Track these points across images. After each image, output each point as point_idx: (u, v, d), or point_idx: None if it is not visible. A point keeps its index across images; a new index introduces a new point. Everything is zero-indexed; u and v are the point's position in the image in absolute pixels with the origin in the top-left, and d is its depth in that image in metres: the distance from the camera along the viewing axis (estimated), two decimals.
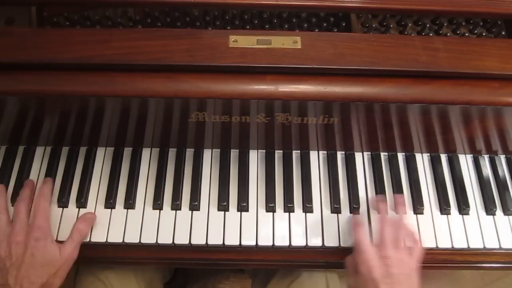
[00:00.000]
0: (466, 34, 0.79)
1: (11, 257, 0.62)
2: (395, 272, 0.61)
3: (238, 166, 0.78)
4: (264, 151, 0.79)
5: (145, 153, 0.79)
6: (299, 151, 0.79)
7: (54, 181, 0.75)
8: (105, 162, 0.78)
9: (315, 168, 0.78)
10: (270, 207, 0.74)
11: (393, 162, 0.79)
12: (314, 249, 0.72)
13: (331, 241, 0.72)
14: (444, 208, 0.75)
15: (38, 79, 0.62)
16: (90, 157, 0.78)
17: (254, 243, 0.71)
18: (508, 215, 0.76)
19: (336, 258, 0.73)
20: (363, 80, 0.63)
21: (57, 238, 0.70)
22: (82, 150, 0.78)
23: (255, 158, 0.79)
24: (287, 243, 0.71)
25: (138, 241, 0.70)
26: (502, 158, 0.81)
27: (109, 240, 0.70)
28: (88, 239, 0.70)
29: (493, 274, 1.38)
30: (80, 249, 0.70)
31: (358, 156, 0.80)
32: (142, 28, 0.77)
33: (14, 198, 0.73)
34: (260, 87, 0.62)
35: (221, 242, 0.71)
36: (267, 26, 0.79)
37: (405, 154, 0.80)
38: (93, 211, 0.73)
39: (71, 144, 0.78)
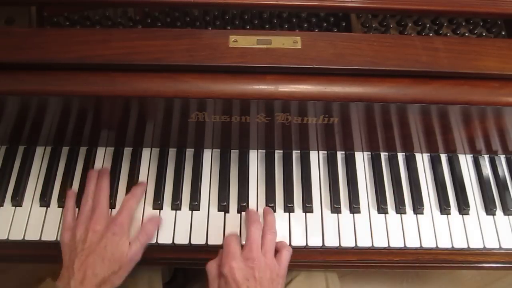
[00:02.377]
0: (466, 34, 0.79)
1: (85, 242, 0.63)
2: (258, 275, 0.60)
3: (238, 166, 0.78)
4: (264, 151, 0.80)
5: (145, 153, 0.79)
6: (299, 151, 0.79)
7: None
8: (105, 162, 0.78)
9: (315, 168, 0.78)
10: (270, 207, 0.74)
11: (393, 162, 0.79)
12: (314, 249, 0.72)
13: (331, 241, 0.72)
14: (444, 208, 0.75)
15: (38, 79, 0.62)
16: (90, 157, 0.78)
17: None
18: (508, 215, 0.76)
19: (336, 258, 0.73)
20: (363, 80, 0.63)
21: (57, 238, 0.70)
22: (82, 150, 0.79)
23: (255, 158, 0.79)
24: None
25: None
26: (502, 158, 0.81)
27: None
28: None
29: (493, 274, 1.39)
30: None
31: (358, 156, 0.80)
32: (142, 28, 0.77)
33: (14, 198, 0.73)
34: (260, 87, 0.62)
35: (221, 242, 0.71)
36: (267, 26, 0.79)
37: (405, 154, 0.80)
38: None
39: (71, 144, 0.78)
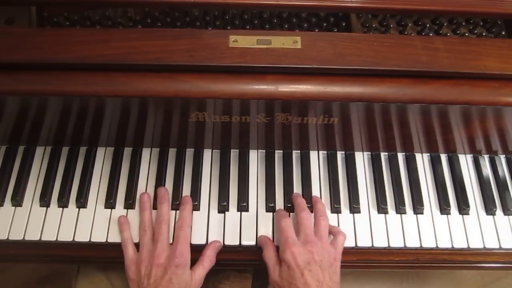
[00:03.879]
0: (466, 34, 0.79)
1: (150, 277, 0.63)
2: (317, 259, 0.62)
3: (238, 166, 0.78)
4: (264, 151, 0.80)
5: (145, 153, 0.79)
6: (299, 151, 0.79)
7: (53, 182, 0.75)
8: (105, 162, 0.78)
9: (315, 168, 0.78)
10: (270, 207, 0.74)
11: (393, 162, 0.79)
12: None
13: None
14: (444, 208, 0.75)
15: (38, 79, 0.62)
16: (90, 157, 0.78)
17: (254, 243, 0.71)
18: (508, 215, 0.76)
19: None
20: (363, 80, 0.63)
21: (57, 238, 0.70)
22: (82, 150, 0.78)
23: (255, 158, 0.79)
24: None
25: (137, 241, 0.70)
26: (502, 158, 0.81)
27: (109, 240, 0.71)
28: (88, 239, 0.70)
29: (493, 274, 1.38)
30: (80, 249, 0.71)
31: (358, 156, 0.80)
32: (142, 28, 0.77)
33: (14, 198, 0.73)
34: (260, 87, 0.62)
35: (220, 242, 0.71)
36: (267, 26, 0.79)
37: (405, 154, 0.80)
38: (93, 211, 0.73)
39: (71, 144, 0.78)
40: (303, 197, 0.74)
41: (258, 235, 0.72)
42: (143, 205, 0.72)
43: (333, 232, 0.69)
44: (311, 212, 0.71)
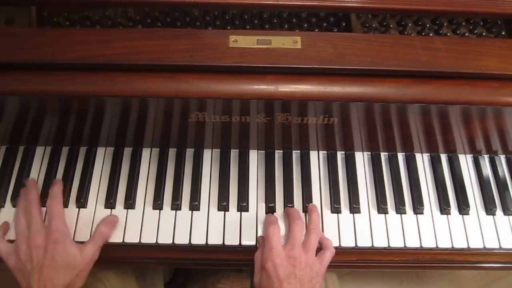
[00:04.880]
0: (466, 34, 0.79)
1: (32, 260, 0.62)
2: (298, 273, 0.61)
3: (238, 166, 0.78)
4: (264, 151, 0.80)
5: (145, 153, 0.79)
6: (299, 151, 0.79)
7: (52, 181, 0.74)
8: (105, 162, 0.78)
9: (315, 168, 0.78)
10: (270, 207, 0.74)
11: (393, 162, 0.79)
12: None
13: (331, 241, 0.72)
14: (444, 208, 0.75)
15: (38, 79, 0.62)
16: (90, 157, 0.78)
17: (254, 243, 0.71)
18: (508, 215, 0.76)
19: (336, 258, 0.73)
20: (363, 80, 0.63)
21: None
22: (82, 150, 0.79)
23: (255, 158, 0.79)
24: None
25: (138, 241, 0.70)
26: (502, 158, 0.81)
27: (109, 240, 0.70)
28: (88, 239, 0.70)
29: (493, 274, 1.38)
30: None
31: (358, 156, 0.80)
32: (142, 28, 0.77)
33: (14, 198, 0.73)
34: (260, 87, 0.62)
35: (221, 242, 0.71)
36: (267, 26, 0.79)
37: (405, 154, 0.80)
38: (93, 211, 0.73)
39: (71, 144, 0.78)
40: (303, 197, 0.75)
41: (258, 235, 0.72)
42: (21, 195, 0.71)
43: (323, 245, 0.69)
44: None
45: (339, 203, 0.74)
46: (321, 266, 0.65)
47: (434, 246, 0.72)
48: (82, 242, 0.69)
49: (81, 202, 0.73)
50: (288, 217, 0.70)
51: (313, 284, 0.63)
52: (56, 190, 0.71)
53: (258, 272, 0.64)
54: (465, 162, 0.80)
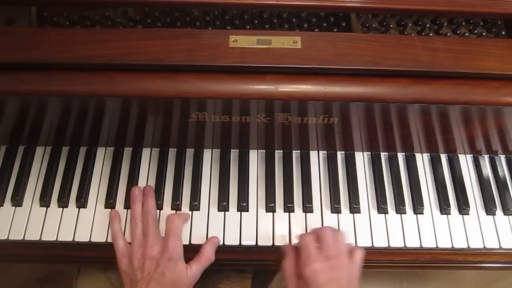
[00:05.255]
0: (466, 34, 0.79)
1: (143, 270, 0.63)
2: (337, 276, 0.61)
3: (238, 166, 0.78)
4: (264, 151, 0.80)
5: (145, 153, 0.79)
6: (299, 151, 0.79)
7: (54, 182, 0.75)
8: (105, 162, 0.78)
9: (315, 168, 0.78)
10: (270, 207, 0.74)
11: (393, 162, 0.79)
12: None
13: None
14: (444, 208, 0.75)
15: (38, 79, 0.62)
16: (90, 157, 0.78)
17: (254, 243, 0.71)
18: (508, 215, 0.76)
19: None
20: (363, 80, 0.63)
21: (57, 238, 0.70)
22: (82, 150, 0.78)
23: (255, 158, 0.79)
24: (287, 243, 0.71)
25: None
26: (502, 158, 0.81)
27: (109, 240, 0.70)
28: (88, 239, 0.70)
29: (493, 274, 1.38)
30: (80, 249, 0.70)
31: (358, 156, 0.80)
32: (142, 28, 0.77)
33: (14, 198, 0.73)
34: (260, 87, 0.62)
35: (221, 242, 0.71)
36: (267, 26, 0.79)
37: (405, 154, 0.80)
38: (93, 211, 0.73)
39: (71, 144, 0.78)
40: (303, 197, 0.75)
41: (258, 235, 0.72)
42: (134, 198, 0.72)
43: (351, 249, 0.67)
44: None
45: (339, 203, 0.74)
46: (355, 268, 0.64)
47: (434, 246, 0.72)
48: (83, 243, 0.69)
49: (81, 202, 0.73)
50: (314, 229, 0.69)
51: (351, 287, 0.62)
52: (186, 215, 0.72)
53: (291, 279, 0.63)
54: (465, 162, 0.80)
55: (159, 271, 0.62)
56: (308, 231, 0.72)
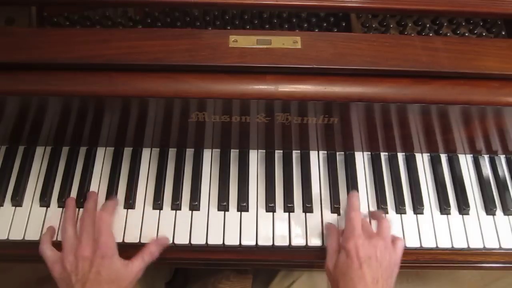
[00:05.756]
0: (466, 34, 0.79)
1: (77, 272, 0.62)
2: (379, 256, 0.61)
3: (238, 166, 0.78)
4: (264, 151, 0.79)
5: (145, 153, 0.79)
6: (299, 151, 0.79)
7: (54, 181, 0.75)
8: (105, 162, 0.78)
9: (315, 168, 0.78)
10: (270, 207, 0.74)
11: (393, 162, 0.79)
12: (314, 249, 0.72)
13: None
14: (444, 208, 0.75)
15: (38, 79, 0.62)
16: (90, 157, 0.78)
17: (254, 243, 0.71)
18: (508, 215, 0.76)
19: None
20: (363, 80, 0.63)
21: (56, 238, 0.70)
22: (82, 150, 0.78)
23: (255, 158, 0.79)
24: (287, 243, 0.71)
25: (138, 241, 0.70)
26: (502, 158, 0.81)
27: None
28: None
29: (493, 274, 1.38)
30: None
31: (358, 156, 0.80)
32: (142, 28, 0.77)
33: (14, 198, 0.73)
34: (260, 87, 0.62)
35: (221, 242, 0.71)
36: (267, 26, 0.79)
37: (405, 154, 0.80)
38: None
39: (71, 144, 0.78)
40: (303, 197, 0.75)
41: (258, 235, 0.72)
42: (66, 205, 0.71)
43: (392, 237, 0.67)
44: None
45: (339, 203, 0.74)
46: (397, 256, 0.64)
47: (434, 246, 0.72)
48: None
49: (82, 202, 0.73)
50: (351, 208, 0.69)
51: (390, 273, 0.62)
52: (111, 203, 0.70)
53: (333, 255, 0.63)
54: (465, 162, 0.80)
55: (93, 271, 0.61)
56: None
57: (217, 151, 0.79)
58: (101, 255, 0.62)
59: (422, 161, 0.80)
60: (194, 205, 0.73)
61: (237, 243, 0.71)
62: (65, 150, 0.78)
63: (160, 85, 0.62)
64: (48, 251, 0.66)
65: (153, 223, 0.72)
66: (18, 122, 0.72)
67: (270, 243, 0.71)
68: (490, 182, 0.78)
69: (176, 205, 0.73)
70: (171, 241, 0.71)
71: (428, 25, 0.78)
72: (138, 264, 0.65)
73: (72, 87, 0.62)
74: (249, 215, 0.73)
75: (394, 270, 0.63)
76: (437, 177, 0.78)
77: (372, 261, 0.60)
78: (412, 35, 0.78)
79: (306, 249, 0.72)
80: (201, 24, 0.79)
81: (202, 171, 0.77)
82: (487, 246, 0.72)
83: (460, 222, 0.74)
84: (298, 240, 0.72)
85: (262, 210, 0.74)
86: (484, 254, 0.74)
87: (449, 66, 0.63)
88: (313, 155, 0.79)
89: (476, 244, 0.72)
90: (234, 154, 0.79)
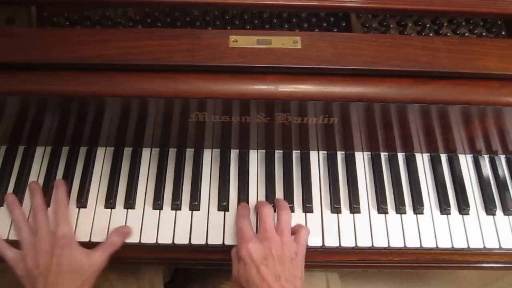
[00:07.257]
0: (466, 34, 0.79)
1: (39, 266, 0.62)
2: (275, 253, 0.61)
3: (238, 166, 0.78)
4: (264, 151, 0.80)
5: (145, 153, 0.79)
6: (299, 151, 0.79)
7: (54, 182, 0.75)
8: (105, 162, 0.78)
9: (315, 168, 0.78)
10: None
11: (393, 162, 0.79)
12: (314, 249, 0.72)
13: (331, 241, 0.72)
14: (444, 208, 0.75)
15: (38, 79, 0.62)
16: (90, 157, 0.78)
17: None
18: (508, 215, 0.76)
19: (336, 258, 0.73)
20: (363, 80, 0.63)
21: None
22: (82, 150, 0.79)
23: (255, 158, 0.79)
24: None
25: (138, 241, 0.70)
26: (502, 158, 0.81)
27: None
28: (88, 239, 0.70)
29: (493, 274, 1.38)
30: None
31: (358, 156, 0.80)
32: (142, 28, 0.77)
33: None
34: (260, 87, 0.62)
35: (221, 242, 0.71)
36: (267, 26, 0.79)
37: (405, 154, 0.80)
38: (93, 211, 0.73)
39: (71, 144, 0.78)
40: (303, 197, 0.75)
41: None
42: (10, 205, 0.71)
43: (296, 229, 0.68)
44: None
45: (339, 203, 0.74)
46: (298, 246, 0.64)
47: (434, 246, 0.72)
48: (83, 243, 0.69)
49: (82, 202, 0.73)
50: (257, 207, 0.70)
51: (295, 263, 0.61)
52: (61, 194, 0.71)
53: (236, 265, 0.63)
54: (465, 162, 0.80)
55: (54, 262, 0.62)
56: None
57: (217, 151, 0.79)
58: (60, 246, 0.63)
59: (422, 161, 0.80)
60: (194, 205, 0.73)
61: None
62: (65, 150, 0.78)
63: (160, 85, 0.62)
64: (8, 251, 0.66)
65: (153, 223, 0.72)
66: (18, 122, 0.72)
67: None
68: (490, 182, 0.78)
69: (176, 205, 0.73)
70: (171, 241, 0.71)
71: (428, 25, 0.78)
72: (100, 254, 0.65)
73: (72, 87, 0.62)
74: None
75: (298, 260, 0.62)
76: (437, 177, 0.78)
77: (269, 260, 0.60)
78: (412, 35, 0.78)
79: (306, 249, 0.72)
80: (201, 24, 0.79)
81: (202, 171, 0.77)
82: (487, 246, 0.72)
83: (460, 222, 0.74)
84: None
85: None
86: (484, 254, 0.74)
87: (449, 66, 0.63)
88: (313, 155, 0.79)
89: (476, 244, 0.72)
90: (234, 154, 0.79)
